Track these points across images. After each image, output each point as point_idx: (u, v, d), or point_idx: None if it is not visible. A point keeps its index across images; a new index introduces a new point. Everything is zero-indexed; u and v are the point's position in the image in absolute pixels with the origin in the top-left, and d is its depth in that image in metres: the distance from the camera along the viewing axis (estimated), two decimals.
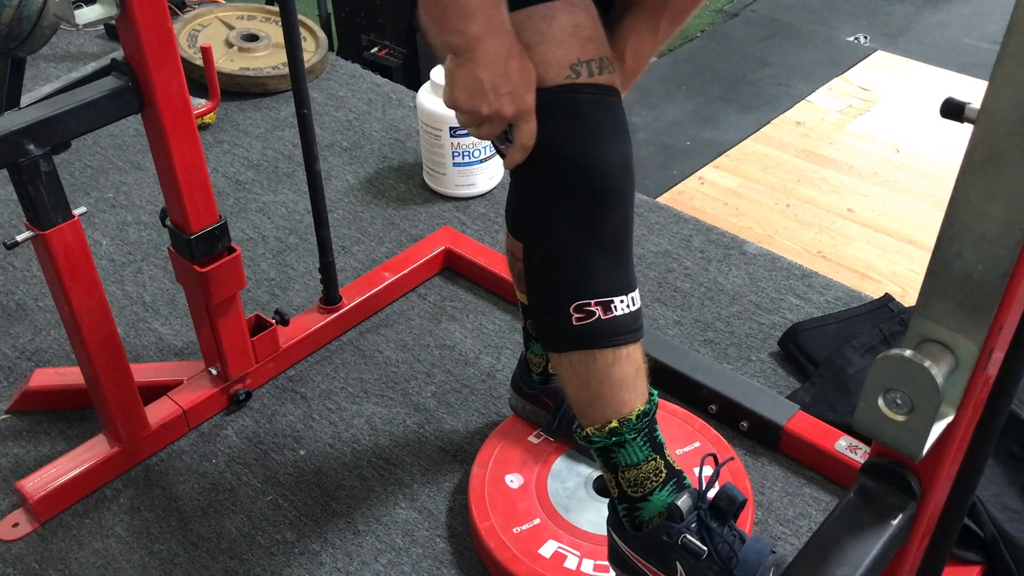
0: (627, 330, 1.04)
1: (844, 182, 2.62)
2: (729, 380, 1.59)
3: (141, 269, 1.95)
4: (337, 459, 1.55)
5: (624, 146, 1.01)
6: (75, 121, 1.25)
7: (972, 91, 2.90)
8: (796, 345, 1.70)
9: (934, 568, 0.89)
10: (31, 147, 1.22)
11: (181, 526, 1.46)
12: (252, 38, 2.55)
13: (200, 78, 2.18)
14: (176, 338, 1.79)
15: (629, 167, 1.02)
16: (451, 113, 1.04)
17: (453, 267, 1.93)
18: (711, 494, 1.09)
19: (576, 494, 1.42)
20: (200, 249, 1.43)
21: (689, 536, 1.05)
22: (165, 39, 1.25)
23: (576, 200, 1.00)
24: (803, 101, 3.03)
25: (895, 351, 0.68)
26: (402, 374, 1.70)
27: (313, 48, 2.56)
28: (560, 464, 1.47)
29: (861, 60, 3.26)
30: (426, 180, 2.16)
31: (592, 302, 1.02)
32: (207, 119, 2.33)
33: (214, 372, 1.61)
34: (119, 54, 1.29)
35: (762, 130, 2.89)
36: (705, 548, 1.04)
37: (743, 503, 1.08)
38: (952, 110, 0.65)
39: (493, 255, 1.89)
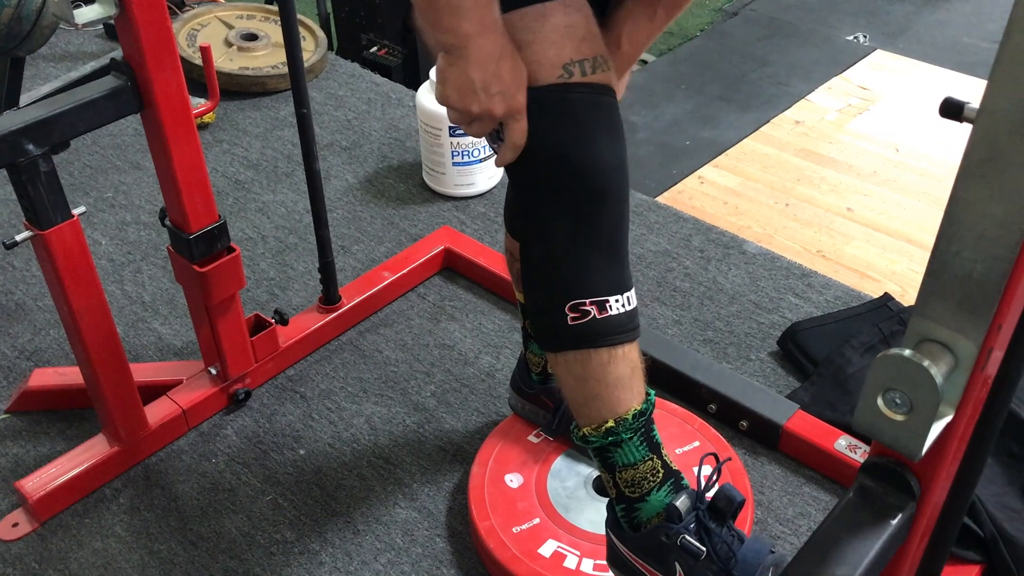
0: (622, 329, 1.04)
1: (843, 181, 2.62)
2: (728, 379, 1.59)
3: (140, 269, 1.95)
4: (337, 459, 1.55)
5: (618, 145, 1.01)
6: (74, 121, 1.25)
7: (971, 90, 2.90)
8: (795, 344, 1.70)
9: (934, 567, 0.89)
10: (30, 147, 1.21)
11: (181, 526, 1.46)
12: (251, 37, 2.55)
13: (199, 77, 2.18)
14: (175, 338, 1.79)
15: (623, 167, 1.02)
16: None
17: (452, 267, 1.93)
18: (711, 494, 1.09)
19: (576, 494, 1.42)
20: (199, 249, 1.43)
21: (688, 537, 1.05)
22: (164, 39, 1.25)
23: (570, 200, 1.00)
24: (802, 100, 3.03)
25: (894, 351, 0.68)
26: (401, 374, 1.70)
27: (312, 47, 2.56)
28: (560, 464, 1.47)
29: (860, 59, 3.25)
30: (425, 180, 2.16)
31: (587, 301, 1.02)
32: (206, 119, 2.33)
33: (213, 372, 1.61)
34: (118, 54, 1.29)
35: (761, 129, 2.89)
36: (704, 548, 1.04)
37: (741, 503, 1.08)
38: (951, 109, 0.65)
39: (492, 255, 1.89)
